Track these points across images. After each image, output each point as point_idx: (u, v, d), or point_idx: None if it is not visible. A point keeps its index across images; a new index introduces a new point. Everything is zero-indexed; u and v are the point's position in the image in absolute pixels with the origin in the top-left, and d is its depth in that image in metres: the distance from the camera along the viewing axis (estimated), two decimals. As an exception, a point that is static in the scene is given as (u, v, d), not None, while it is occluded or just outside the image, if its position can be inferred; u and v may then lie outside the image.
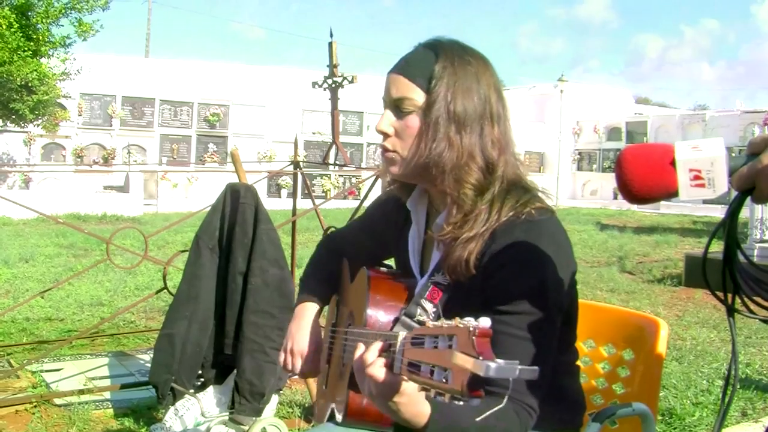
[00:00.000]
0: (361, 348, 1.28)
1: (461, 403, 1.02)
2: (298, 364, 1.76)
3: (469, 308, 1.47)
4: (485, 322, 1.02)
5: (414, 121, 1.51)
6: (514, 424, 1.36)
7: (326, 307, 1.89)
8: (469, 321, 1.03)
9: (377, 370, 1.21)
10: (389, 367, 1.20)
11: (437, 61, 1.50)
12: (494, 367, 0.95)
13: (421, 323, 1.49)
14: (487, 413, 1.12)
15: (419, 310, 1.51)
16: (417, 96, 1.50)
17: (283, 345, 1.79)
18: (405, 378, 1.16)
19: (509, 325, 1.41)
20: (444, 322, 1.06)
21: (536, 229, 1.45)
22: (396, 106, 1.53)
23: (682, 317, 6.72)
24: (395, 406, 1.24)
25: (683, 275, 8.47)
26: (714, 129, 20.22)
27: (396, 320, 1.54)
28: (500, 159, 1.51)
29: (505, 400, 1.06)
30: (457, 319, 1.04)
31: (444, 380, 1.02)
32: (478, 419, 1.16)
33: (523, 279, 1.42)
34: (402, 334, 1.17)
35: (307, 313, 1.81)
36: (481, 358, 0.97)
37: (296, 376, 2.02)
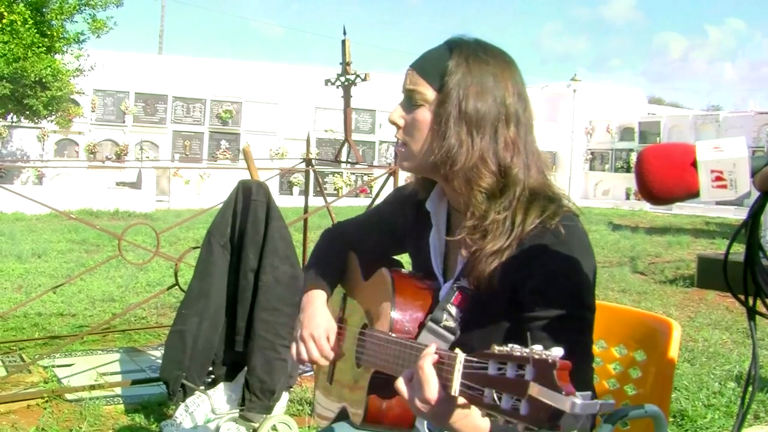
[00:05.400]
0: (423, 365, 1.23)
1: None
2: (312, 350, 1.70)
3: (495, 314, 1.47)
4: (558, 351, 0.99)
5: (423, 115, 1.49)
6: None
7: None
8: (542, 350, 1.00)
9: (432, 392, 1.18)
10: (445, 387, 1.17)
11: (451, 58, 1.48)
12: (580, 404, 0.93)
13: (448, 329, 1.48)
14: None
15: (445, 315, 1.49)
16: (426, 91, 1.49)
17: (294, 335, 1.76)
18: (464, 401, 1.13)
19: (548, 329, 1.39)
20: (515, 349, 1.03)
21: (566, 234, 1.42)
22: (408, 98, 1.53)
23: (694, 318, 6.69)
24: (451, 423, 1.22)
25: (696, 276, 8.43)
26: (727, 130, 20.17)
27: (422, 325, 1.52)
28: (515, 162, 1.46)
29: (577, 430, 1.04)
30: (527, 348, 1.01)
31: (516, 409, 0.99)
32: None
33: (557, 284, 1.41)
34: (462, 354, 1.14)
35: (316, 301, 1.78)
36: (564, 393, 0.95)
37: (308, 367, 1.99)
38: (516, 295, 1.44)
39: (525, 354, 1.01)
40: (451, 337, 1.48)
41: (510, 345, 1.05)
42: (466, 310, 1.50)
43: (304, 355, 1.72)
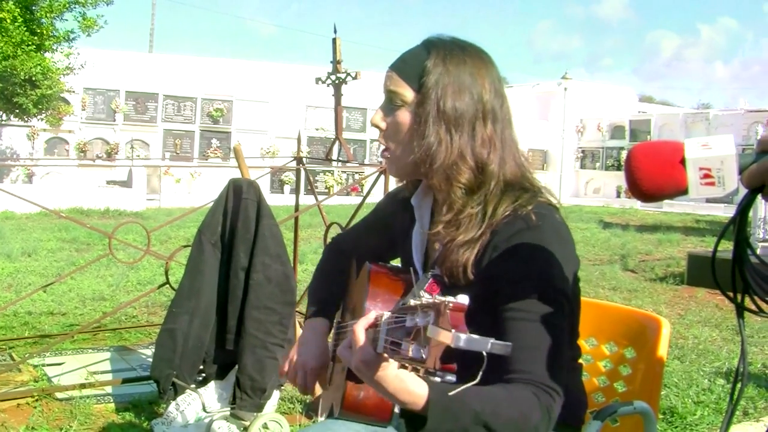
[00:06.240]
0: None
1: (438, 379, 1.03)
2: (300, 379, 1.75)
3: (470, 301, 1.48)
4: (463, 298, 1.03)
5: (403, 117, 1.52)
6: (533, 407, 1.33)
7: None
8: (447, 297, 1.03)
9: (361, 351, 1.21)
10: (374, 346, 1.19)
11: (428, 58, 1.50)
12: (464, 338, 0.96)
13: None
14: (460, 388, 1.12)
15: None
16: (406, 92, 1.51)
17: (289, 355, 1.78)
18: (386, 356, 1.16)
19: (519, 311, 1.41)
20: (424, 299, 1.07)
21: (538, 221, 1.44)
22: (389, 100, 1.55)
23: (684, 316, 6.72)
24: (385, 386, 1.22)
25: (686, 274, 8.46)
26: (717, 128, 20.24)
27: None
28: (491, 158, 1.50)
29: (479, 377, 1.06)
30: (436, 296, 1.05)
31: (420, 357, 1.02)
32: (450, 393, 1.16)
33: (528, 267, 1.42)
34: (387, 313, 1.17)
35: (315, 328, 1.79)
36: (453, 331, 0.97)
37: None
38: (488, 282, 1.45)
39: (430, 302, 1.04)
40: None
41: (422, 297, 1.08)
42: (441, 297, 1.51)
43: (293, 382, 1.78)
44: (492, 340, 0.97)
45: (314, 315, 1.83)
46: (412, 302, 1.09)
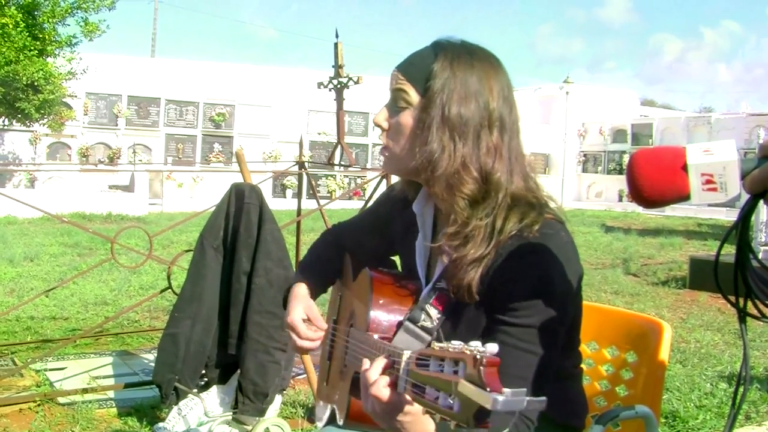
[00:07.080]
0: (366, 363, 1.26)
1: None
2: (293, 337, 1.74)
3: (473, 317, 1.47)
4: (492, 348, 0.99)
5: (406, 119, 1.48)
6: None
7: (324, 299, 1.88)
8: (476, 346, 1.00)
9: (381, 389, 1.19)
10: (393, 385, 1.18)
11: (435, 60, 1.46)
12: (502, 401, 0.93)
13: (426, 329, 1.48)
14: None
15: (423, 316, 1.49)
16: (411, 93, 1.48)
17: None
18: (409, 398, 1.14)
19: (513, 336, 1.40)
20: (451, 346, 1.03)
21: (543, 243, 1.41)
22: (393, 101, 1.52)
23: (687, 320, 6.71)
24: (399, 425, 1.23)
25: (688, 278, 8.45)
26: (719, 132, 20.21)
27: (399, 324, 1.52)
28: (496, 167, 1.44)
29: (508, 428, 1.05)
30: (464, 345, 1.02)
31: (450, 407, 1.00)
32: None
33: (529, 294, 1.40)
34: (407, 353, 1.15)
35: (293, 292, 1.79)
36: (488, 389, 0.95)
37: (301, 369, 1.99)
38: (489, 302, 1.44)
39: (460, 350, 1.01)
40: (428, 338, 1.48)
41: (452, 341, 1.05)
42: (446, 312, 1.50)
43: (292, 343, 1.76)
44: (528, 398, 0.95)
45: (296, 282, 1.81)
46: (437, 346, 1.06)
